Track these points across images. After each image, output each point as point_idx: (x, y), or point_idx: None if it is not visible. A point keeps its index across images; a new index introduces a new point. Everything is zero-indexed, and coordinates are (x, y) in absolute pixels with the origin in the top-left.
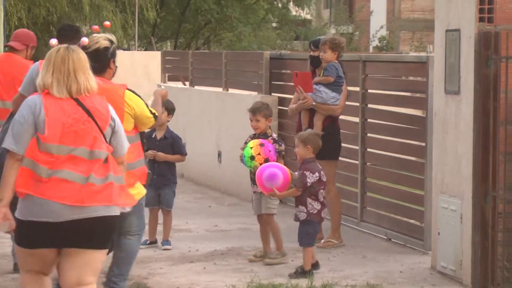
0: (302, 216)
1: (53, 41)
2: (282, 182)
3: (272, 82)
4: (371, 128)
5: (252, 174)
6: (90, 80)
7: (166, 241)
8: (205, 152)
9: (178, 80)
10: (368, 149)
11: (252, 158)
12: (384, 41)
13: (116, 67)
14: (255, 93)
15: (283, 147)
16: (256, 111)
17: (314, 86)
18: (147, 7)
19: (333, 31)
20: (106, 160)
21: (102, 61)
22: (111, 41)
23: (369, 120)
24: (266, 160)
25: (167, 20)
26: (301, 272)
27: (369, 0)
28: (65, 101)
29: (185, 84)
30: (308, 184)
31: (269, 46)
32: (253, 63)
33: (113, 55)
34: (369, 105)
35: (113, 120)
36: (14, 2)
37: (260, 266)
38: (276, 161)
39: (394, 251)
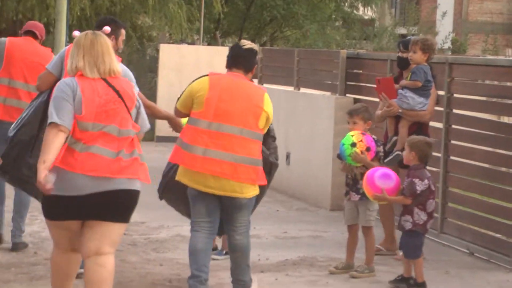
0: (408, 226)
1: (76, 33)
2: (394, 185)
3: (347, 83)
4: (456, 135)
5: (349, 179)
6: (115, 62)
7: (220, 251)
8: None
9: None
10: (451, 157)
11: (353, 145)
12: (457, 43)
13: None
14: (328, 93)
15: (381, 148)
16: (353, 112)
17: (400, 91)
18: (212, 1)
19: (403, 31)
20: (133, 138)
21: (251, 61)
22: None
23: (453, 126)
24: (368, 149)
25: (231, 15)
26: (415, 285)
27: (435, 1)
28: (98, 83)
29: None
30: (418, 192)
31: (336, 45)
32: (328, 62)
33: (256, 63)
34: (454, 111)
35: (138, 101)
36: None
37: (336, 279)
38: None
39: (478, 266)
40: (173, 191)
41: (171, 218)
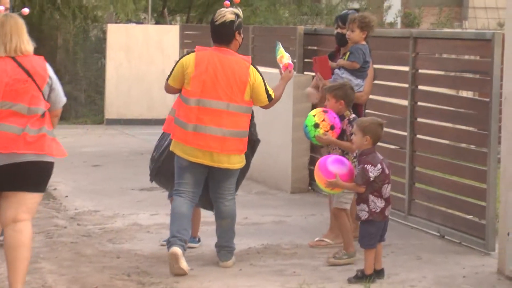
0: (364, 215)
1: (26, 10)
2: (348, 171)
3: (306, 60)
4: (422, 112)
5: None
6: (24, 42)
7: (193, 238)
8: None
9: None
10: (418, 136)
11: (316, 125)
12: (411, 16)
13: (242, 38)
14: None
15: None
16: (327, 90)
17: (337, 70)
18: None
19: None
20: (43, 115)
21: (227, 34)
22: (237, 15)
23: (419, 103)
24: (332, 127)
25: None
26: (361, 277)
27: None
28: (7, 62)
29: None
30: (371, 179)
31: (286, 22)
32: (284, 38)
33: (238, 27)
34: (420, 87)
35: (50, 78)
36: None
37: (304, 268)
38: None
39: (450, 250)
40: (164, 174)
41: (126, 206)
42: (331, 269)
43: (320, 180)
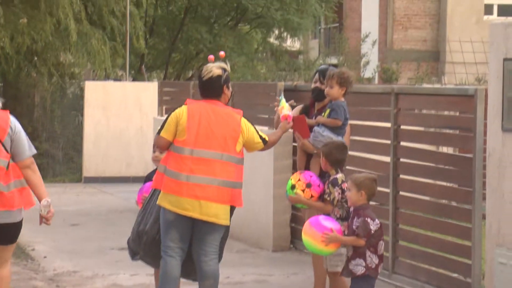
0: (360, 270)
1: None
2: (340, 228)
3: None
4: (405, 169)
5: None
6: None
7: None
8: None
9: None
10: (401, 192)
11: (293, 187)
12: (389, 72)
13: (232, 92)
14: (266, 127)
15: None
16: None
17: (317, 128)
18: (137, 36)
19: (333, 60)
20: (7, 167)
21: (215, 88)
22: (224, 69)
23: (402, 159)
24: (308, 185)
25: (156, 49)
26: None
27: (359, 30)
28: None
29: None
30: (372, 232)
31: (264, 77)
32: (264, 95)
33: (226, 81)
34: (402, 143)
35: (11, 129)
36: None
37: None
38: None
39: None
40: (151, 252)
41: (105, 266)
42: None
43: (313, 237)
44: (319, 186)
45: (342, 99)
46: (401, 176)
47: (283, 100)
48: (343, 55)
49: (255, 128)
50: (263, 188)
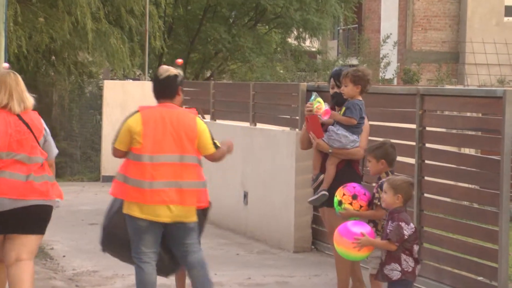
0: (396, 275)
1: (5, 65)
2: (371, 231)
3: None
4: (430, 171)
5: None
6: (30, 99)
7: None
8: (229, 193)
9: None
10: (426, 195)
11: (340, 203)
12: (410, 73)
13: (182, 98)
14: (287, 128)
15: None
16: (367, 150)
17: (331, 127)
18: (154, 35)
19: (354, 61)
20: (42, 163)
21: (172, 88)
22: (180, 73)
23: (427, 161)
24: (354, 197)
25: (174, 49)
26: None
27: (378, 31)
28: (11, 116)
29: (204, 118)
30: (405, 237)
31: (283, 77)
32: (286, 95)
33: (181, 83)
34: (427, 145)
35: (45, 130)
36: (14, 28)
37: None
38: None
39: None
40: (115, 241)
41: (125, 266)
42: None
43: (345, 245)
44: (365, 194)
45: (359, 98)
46: (426, 178)
47: (319, 98)
48: (363, 56)
49: (209, 130)
50: (284, 189)
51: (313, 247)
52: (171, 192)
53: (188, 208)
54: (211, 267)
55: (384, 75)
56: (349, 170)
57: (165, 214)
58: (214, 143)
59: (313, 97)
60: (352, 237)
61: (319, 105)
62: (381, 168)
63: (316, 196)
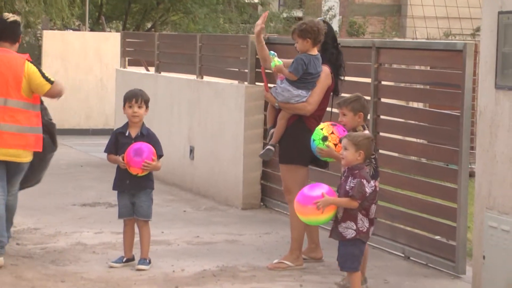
0: (350, 233)
1: None
2: (329, 190)
3: (257, 70)
4: (384, 127)
5: None
6: None
7: (143, 260)
8: (174, 148)
9: (139, 65)
10: (380, 151)
11: (325, 138)
12: (355, 25)
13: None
14: (236, 81)
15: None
16: (342, 103)
17: (278, 81)
18: None
19: (299, 13)
20: None
21: (16, 33)
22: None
23: (382, 117)
24: (341, 141)
25: None
26: None
27: None
28: None
29: (148, 70)
30: (367, 194)
31: (223, 29)
32: (234, 47)
33: (21, 32)
34: (383, 99)
35: None
36: None
37: None
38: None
39: (418, 273)
40: None
41: (68, 223)
42: None
43: (308, 212)
44: None
45: (313, 52)
46: (381, 133)
47: (277, 58)
48: (306, 8)
49: (40, 70)
50: (233, 144)
51: (262, 204)
52: None
53: (16, 150)
54: (158, 225)
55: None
56: (300, 125)
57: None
58: (48, 79)
59: (271, 56)
60: (312, 202)
61: (278, 65)
62: (358, 122)
63: (262, 151)
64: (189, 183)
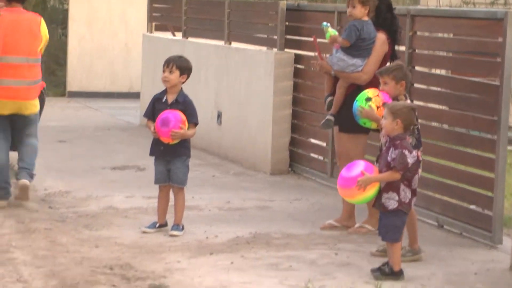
0: (392, 204)
1: None
2: (367, 166)
3: (287, 37)
4: (419, 95)
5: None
6: None
7: (176, 226)
8: (201, 112)
9: (167, 30)
10: None
11: (368, 99)
12: None
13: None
14: (264, 48)
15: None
16: (384, 72)
17: (334, 50)
18: None
19: None
20: None
21: None
22: None
23: (416, 85)
24: (384, 105)
25: None
26: (390, 274)
27: None
28: None
29: (174, 35)
30: (409, 165)
31: None
32: (263, 14)
33: None
34: (417, 68)
35: None
36: None
37: (300, 261)
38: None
39: (453, 243)
40: None
41: (99, 187)
42: (329, 263)
43: (351, 194)
44: None
45: (365, 18)
46: (415, 102)
47: (331, 29)
48: None
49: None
50: (261, 110)
51: (290, 169)
52: (19, 90)
53: (31, 103)
54: (188, 190)
55: None
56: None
57: (13, 108)
58: None
59: (324, 27)
60: (355, 182)
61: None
62: (400, 90)
63: (323, 121)
64: (216, 148)
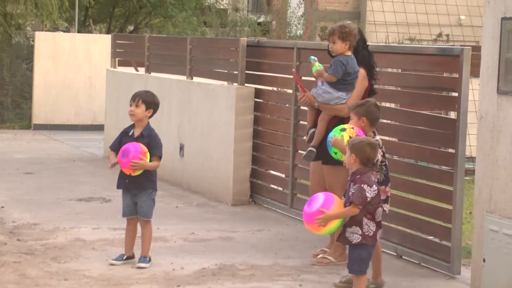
0: (356, 238)
1: None
2: (325, 201)
3: (247, 72)
4: (380, 130)
5: None
6: None
7: (144, 257)
8: (165, 145)
9: (130, 65)
10: None
11: (343, 130)
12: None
13: None
14: (225, 83)
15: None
16: (350, 107)
17: (318, 82)
18: None
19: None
20: None
21: None
22: None
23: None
24: None
25: (100, 3)
26: None
27: None
28: None
29: (137, 70)
30: (368, 199)
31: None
32: (225, 50)
33: None
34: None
35: None
36: None
37: None
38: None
39: (413, 273)
40: None
41: (66, 219)
42: None
43: (314, 229)
44: None
45: (348, 53)
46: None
47: (317, 63)
48: (271, 14)
49: None
50: (223, 142)
51: (251, 200)
52: None
53: None
54: (155, 222)
55: (296, 33)
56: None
57: None
58: None
59: (312, 61)
60: (313, 218)
61: (319, 69)
62: (362, 126)
63: (305, 153)
64: (179, 179)
